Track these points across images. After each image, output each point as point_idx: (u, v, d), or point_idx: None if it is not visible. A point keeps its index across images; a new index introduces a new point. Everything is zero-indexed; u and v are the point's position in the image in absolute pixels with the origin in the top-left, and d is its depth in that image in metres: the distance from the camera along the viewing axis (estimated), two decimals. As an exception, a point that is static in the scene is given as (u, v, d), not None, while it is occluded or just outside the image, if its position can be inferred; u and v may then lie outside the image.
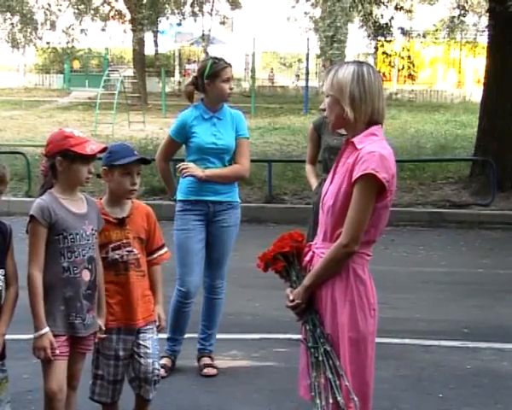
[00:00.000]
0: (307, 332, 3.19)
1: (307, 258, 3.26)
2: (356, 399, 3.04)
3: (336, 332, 3.12)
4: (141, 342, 3.93)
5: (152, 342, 3.96)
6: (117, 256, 3.89)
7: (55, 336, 3.51)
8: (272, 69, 42.69)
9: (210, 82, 5.06)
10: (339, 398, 3.03)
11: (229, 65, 5.12)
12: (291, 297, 3.22)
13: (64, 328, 3.56)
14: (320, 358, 3.11)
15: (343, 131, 5.02)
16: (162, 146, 5.27)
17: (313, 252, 3.23)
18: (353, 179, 3.04)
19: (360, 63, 3.18)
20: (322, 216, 3.21)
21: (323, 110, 3.34)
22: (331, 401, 3.05)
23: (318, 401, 3.08)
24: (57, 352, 3.50)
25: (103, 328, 3.79)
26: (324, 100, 3.32)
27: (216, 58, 5.28)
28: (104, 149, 3.73)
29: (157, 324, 4.02)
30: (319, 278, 3.14)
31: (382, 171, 3.02)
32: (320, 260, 3.15)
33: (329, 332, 3.13)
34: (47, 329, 3.48)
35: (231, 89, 5.08)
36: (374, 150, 3.04)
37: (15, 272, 3.53)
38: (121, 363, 3.94)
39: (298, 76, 39.22)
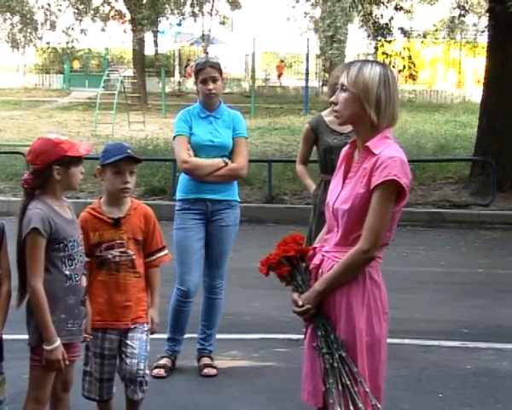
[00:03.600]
0: (319, 338, 3.12)
1: (317, 262, 3.19)
2: (378, 405, 3.02)
3: (353, 337, 3.07)
4: (128, 341, 3.90)
5: (140, 342, 3.91)
6: (109, 256, 3.88)
7: None
8: (266, 70, 42.73)
9: (196, 82, 5.16)
10: (360, 405, 2.99)
11: (211, 65, 5.09)
12: (300, 302, 3.15)
13: (64, 336, 3.53)
14: (335, 364, 3.05)
15: (343, 130, 5.07)
16: (181, 149, 5.08)
17: (323, 256, 3.18)
18: (374, 185, 3.01)
19: (383, 65, 3.15)
20: (334, 220, 3.16)
21: (335, 103, 3.23)
22: (352, 407, 3.01)
23: (338, 409, 3.03)
24: (67, 362, 3.50)
25: (89, 329, 3.78)
26: (337, 93, 3.21)
27: (201, 59, 5.36)
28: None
29: (149, 326, 3.98)
30: (335, 282, 3.08)
31: (403, 176, 3.01)
32: (336, 265, 3.08)
33: (344, 338, 3.08)
34: (59, 341, 3.46)
35: (209, 89, 5.05)
36: (394, 155, 3.02)
37: (9, 271, 3.50)
38: (106, 362, 3.93)
39: None
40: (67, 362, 3.51)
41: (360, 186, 3.06)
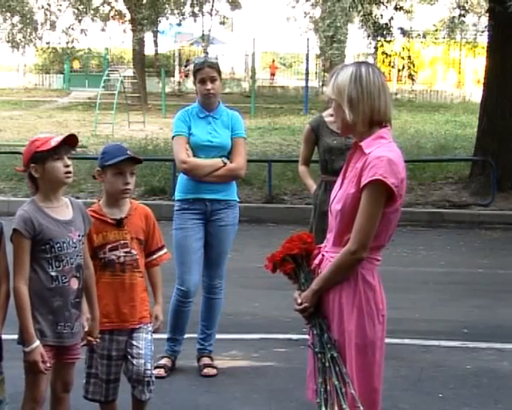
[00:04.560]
0: (314, 337, 3.15)
1: (316, 261, 3.21)
2: (361, 408, 3.01)
3: (343, 338, 3.08)
4: (134, 342, 3.92)
5: (145, 342, 3.93)
6: (113, 257, 3.89)
7: (43, 346, 3.47)
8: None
9: (195, 82, 5.17)
10: (344, 406, 3.00)
11: (210, 64, 5.09)
12: (299, 301, 3.17)
13: (52, 338, 3.52)
14: (326, 364, 3.06)
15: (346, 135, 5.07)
16: (180, 149, 5.07)
17: (323, 255, 3.19)
18: (361, 185, 3.00)
19: (359, 64, 3.14)
20: (332, 221, 3.17)
21: (332, 115, 3.32)
22: (336, 408, 3.01)
23: (324, 408, 3.04)
24: (48, 365, 3.49)
25: (97, 333, 3.77)
26: (331, 105, 3.29)
27: (200, 58, 5.37)
28: (69, 138, 3.56)
29: (153, 324, 4.00)
30: (327, 282, 3.10)
31: (391, 176, 2.99)
32: (328, 265, 3.11)
33: (336, 338, 3.10)
34: (37, 342, 3.45)
35: (208, 89, 5.05)
36: (382, 155, 3.01)
37: (7, 271, 3.49)
38: (113, 363, 3.95)
39: None
40: (48, 365, 3.49)
41: (351, 186, 3.06)
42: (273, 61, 43.68)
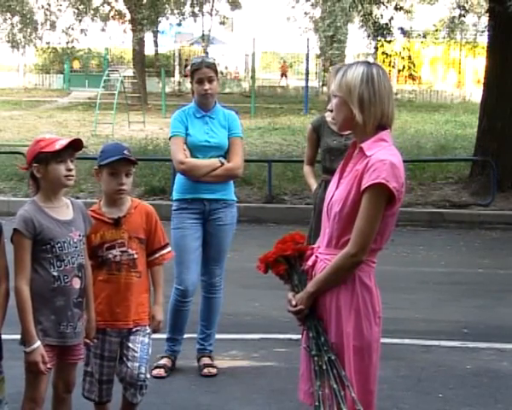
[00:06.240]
0: (310, 339, 3.13)
1: (310, 262, 3.19)
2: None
3: (341, 341, 3.06)
4: (130, 344, 3.89)
5: (141, 345, 3.91)
6: (110, 256, 3.87)
7: (44, 346, 3.48)
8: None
9: (192, 81, 5.16)
10: (344, 409, 2.99)
11: (207, 65, 5.08)
12: (293, 302, 3.16)
13: (55, 338, 3.53)
14: (324, 367, 3.05)
15: (344, 132, 5.08)
16: (178, 149, 5.08)
17: (316, 257, 3.17)
18: (363, 188, 2.98)
19: (370, 64, 3.10)
20: (327, 221, 3.15)
21: (331, 111, 3.27)
22: None
23: None
24: (49, 365, 3.50)
25: (93, 334, 3.77)
26: (332, 100, 3.24)
27: (198, 58, 5.37)
28: (74, 142, 3.57)
29: (151, 325, 3.98)
30: (324, 285, 3.08)
31: (393, 180, 2.98)
32: (326, 268, 3.08)
33: (334, 341, 3.08)
34: (38, 343, 3.46)
35: (206, 90, 5.05)
36: (384, 158, 2.98)
37: (6, 270, 3.49)
38: (106, 364, 3.93)
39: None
40: (49, 365, 3.50)
41: (351, 188, 3.04)
42: (284, 61, 43.51)
